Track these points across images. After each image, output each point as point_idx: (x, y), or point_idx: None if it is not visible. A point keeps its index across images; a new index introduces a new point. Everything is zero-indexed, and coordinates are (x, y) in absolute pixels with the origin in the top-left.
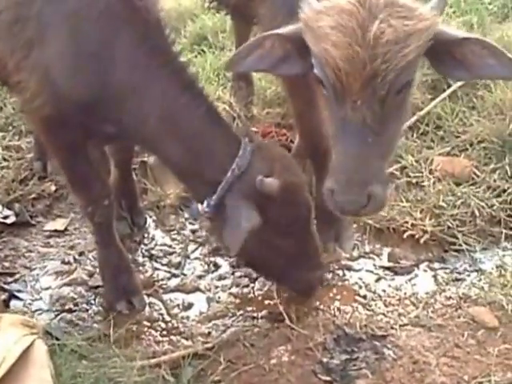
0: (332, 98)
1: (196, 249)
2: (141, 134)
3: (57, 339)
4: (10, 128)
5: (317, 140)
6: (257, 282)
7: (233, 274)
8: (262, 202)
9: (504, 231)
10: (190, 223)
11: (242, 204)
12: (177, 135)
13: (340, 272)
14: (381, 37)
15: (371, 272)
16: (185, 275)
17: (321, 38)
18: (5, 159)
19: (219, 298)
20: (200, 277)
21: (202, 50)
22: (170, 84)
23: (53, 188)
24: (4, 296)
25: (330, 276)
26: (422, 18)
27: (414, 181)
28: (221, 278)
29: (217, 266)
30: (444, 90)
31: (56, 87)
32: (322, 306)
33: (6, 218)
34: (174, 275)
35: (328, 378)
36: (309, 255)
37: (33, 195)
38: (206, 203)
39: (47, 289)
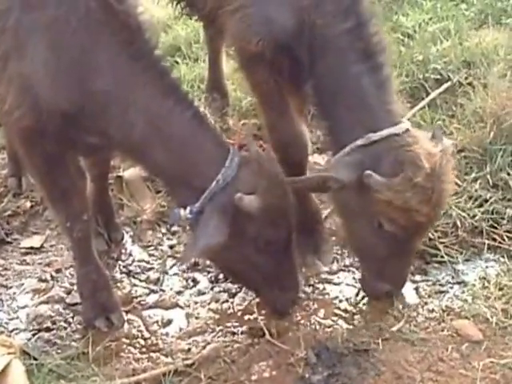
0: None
1: (174, 264)
2: (126, 142)
3: (35, 359)
4: None
5: (290, 152)
6: (236, 297)
7: (212, 289)
8: (239, 218)
9: (486, 242)
10: (168, 238)
11: (215, 217)
12: (163, 141)
13: (320, 286)
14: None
15: (351, 286)
16: (163, 291)
17: (400, 211)
18: None
19: (198, 313)
20: (179, 293)
21: (176, 62)
22: (153, 89)
23: (28, 204)
24: None
25: (309, 290)
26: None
27: None
28: (200, 293)
29: (195, 282)
30: (423, 99)
31: (37, 98)
32: (302, 321)
33: None
34: (153, 291)
35: None
36: (284, 276)
37: (8, 212)
38: (188, 209)
39: (24, 307)
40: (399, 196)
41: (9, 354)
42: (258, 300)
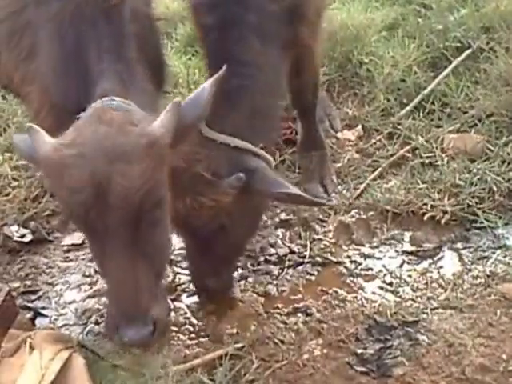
0: None
1: None
2: None
3: (92, 351)
4: None
5: None
6: (279, 279)
7: (254, 272)
8: None
9: None
10: None
11: None
12: None
13: (363, 261)
14: None
15: (394, 258)
16: None
17: None
18: (14, 179)
19: (243, 297)
20: None
21: (196, 51)
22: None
23: None
24: (29, 314)
25: (353, 266)
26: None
27: (427, 161)
28: (242, 277)
29: (237, 266)
30: (445, 67)
31: (51, 96)
32: (349, 297)
33: (22, 236)
34: None
35: (364, 369)
36: None
37: (47, 212)
38: None
39: (71, 303)
40: None
41: (67, 348)
42: (303, 281)
